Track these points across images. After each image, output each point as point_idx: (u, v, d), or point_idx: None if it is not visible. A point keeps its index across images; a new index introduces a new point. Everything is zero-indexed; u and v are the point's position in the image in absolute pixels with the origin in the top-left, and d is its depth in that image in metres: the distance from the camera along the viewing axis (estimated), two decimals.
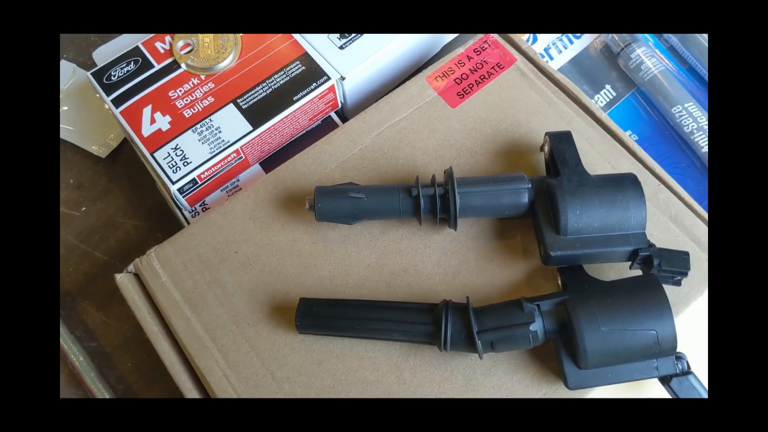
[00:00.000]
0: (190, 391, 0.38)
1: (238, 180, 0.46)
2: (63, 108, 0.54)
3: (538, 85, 0.46)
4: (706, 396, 0.34)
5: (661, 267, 0.36)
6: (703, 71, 0.52)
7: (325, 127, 0.48)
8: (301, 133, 0.48)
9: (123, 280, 0.41)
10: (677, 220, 0.41)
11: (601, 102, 0.53)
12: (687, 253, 0.36)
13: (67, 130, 0.53)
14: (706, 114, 0.50)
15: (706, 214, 0.41)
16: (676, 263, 0.36)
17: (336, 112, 0.49)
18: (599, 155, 0.43)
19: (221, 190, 0.46)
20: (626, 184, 0.37)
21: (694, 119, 0.49)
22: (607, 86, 0.53)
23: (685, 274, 0.36)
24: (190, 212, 0.46)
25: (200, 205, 0.46)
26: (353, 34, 0.46)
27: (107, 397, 0.44)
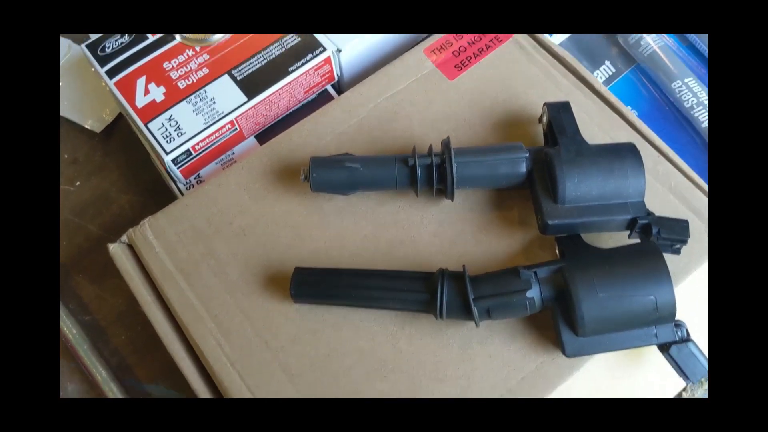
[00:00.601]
0: (184, 360, 0.38)
1: (233, 153, 0.46)
2: None
3: (537, 57, 0.45)
4: (706, 364, 0.34)
5: (660, 235, 0.35)
6: (703, 47, 0.52)
7: (322, 100, 0.48)
8: (297, 106, 0.47)
9: (116, 250, 0.40)
10: (677, 192, 0.40)
11: (601, 78, 0.52)
12: (686, 221, 0.36)
13: (62, 105, 0.53)
14: (706, 89, 0.49)
15: (706, 186, 0.40)
16: (676, 231, 0.35)
17: (332, 86, 0.48)
18: (598, 128, 0.42)
19: (216, 163, 0.46)
20: (625, 153, 0.37)
21: (693, 94, 0.49)
22: (607, 62, 0.53)
23: (685, 242, 0.35)
24: (184, 185, 0.45)
25: (195, 178, 0.45)
26: None
27: (100, 369, 0.44)
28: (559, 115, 0.39)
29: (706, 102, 0.49)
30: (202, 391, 0.37)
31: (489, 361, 0.36)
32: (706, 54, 0.52)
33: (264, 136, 0.46)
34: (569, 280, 0.33)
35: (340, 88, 0.49)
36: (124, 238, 0.41)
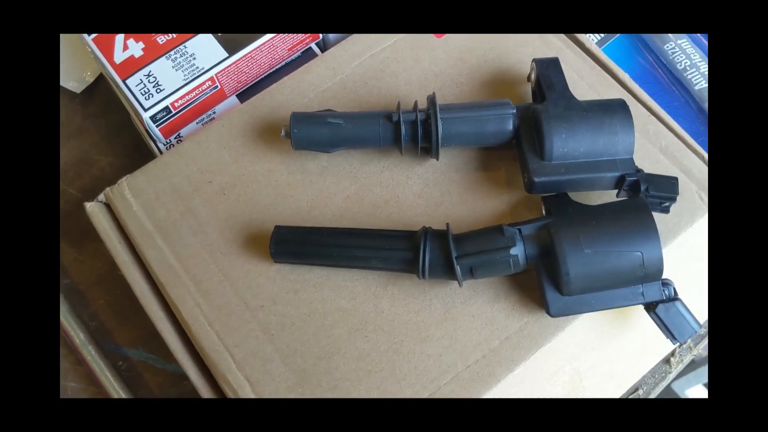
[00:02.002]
0: (162, 320, 0.37)
1: (214, 112, 0.45)
2: None
3: None
4: (695, 324, 0.33)
5: (648, 192, 0.34)
6: None
7: (306, 59, 0.46)
8: (280, 65, 0.46)
9: (93, 209, 0.39)
10: (667, 152, 0.39)
11: (593, 40, 0.51)
12: (675, 178, 0.35)
13: None
14: (699, 51, 0.48)
15: (696, 145, 0.40)
16: (665, 188, 0.34)
17: (317, 45, 0.47)
18: (588, 86, 0.41)
19: (197, 122, 0.44)
20: (615, 109, 0.36)
21: (687, 56, 0.48)
22: None
23: (674, 200, 0.35)
24: (165, 144, 0.44)
25: (175, 137, 0.44)
26: None
27: (79, 333, 0.43)
28: (548, 71, 0.38)
29: (699, 63, 0.47)
30: (180, 352, 0.36)
31: (472, 321, 0.36)
32: None
33: (246, 95, 0.45)
34: (554, 236, 0.33)
35: (326, 46, 0.48)
36: (101, 197, 0.40)
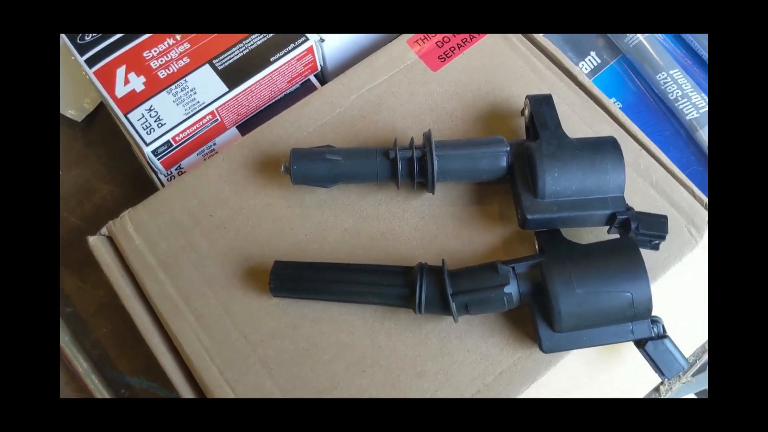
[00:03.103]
0: (164, 354, 0.38)
1: (214, 143, 0.45)
2: None
3: (521, 49, 0.45)
4: (682, 361, 0.34)
5: (638, 230, 0.35)
6: (690, 38, 0.52)
7: (305, 90, 0.47)
8: (279, 96, 0.47)
9: (96, 242, 0.40)
10: (658, 186, 0.40)
11: (586, 69, 0.52)
12: (665, 217, 0.36)
13: None
14: (691, 81, 0.49)
15: (687, 180, 0.40)
16: (654, 227, 0.35)
17: (316, 76, 0.48)
18: (581, 120, 0.42)
19: (197, 154, 0.45)
20: (606, 147, 0.37)
21: (678, 86, 0.49)
22: (592, 53, 0.52)
23: (663, 238, 0.35)
24: (165, 176, 0.45)
25: (176, 169, 0.45)
26: None
27: (81, 361, 0.44)
28: (541, 108, 0.39)
29: (691, 94, 0.48)
30: (182, 385, 0.37)
31: (467, 356, 0.36)
32: (692, 45, 0.52)
33: (246, 126, 0.46)
34: (547, 275, 0.34)
35: (324, 77, 0.49)
36: (104, 230, 0.41)
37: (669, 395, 0.44)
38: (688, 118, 0.48)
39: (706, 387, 0.64)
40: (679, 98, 0.49)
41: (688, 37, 0.52)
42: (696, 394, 0.70)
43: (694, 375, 0.45)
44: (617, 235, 0.37)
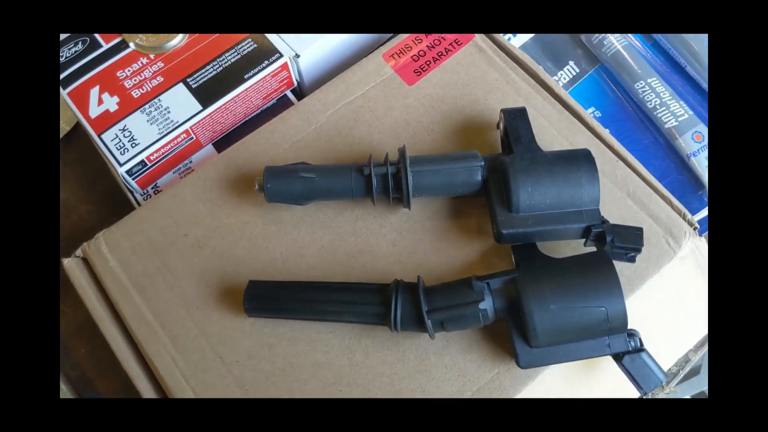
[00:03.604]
0: (139, 377, 0.37)
1: (191, 161, 0.45)
2: None
3: (497, 61, 0.45)
4: (660, 374, 0.34)
5: (614, 243, 0.35)
6: (668, 46, 0.52)
7: (281, 106, 0.47)
8: (256, 113, 0.47)
9: (71, 264, 0.40)
10: (635, 197, 0.40)
11: (565, 79, 0.52)
12: (641, 229, 0.36)
13: None
14: (670, 89, 0.49)
15: (664, 190, 0.40)
16: (629, 239, 0.35)
17: (293, 91, 0.48)
18: (557, 132, 0.42)
19: (173, 172, 0.45)
20: (580, 161, 0.37)
21: (657, 95, 0.49)
22: (571, 62, 0.52)
23: (639, 251, 0.35)
24: (141, 195, 0.44)
25: (152, 188, 0.45)
26: None
27: (61, 384, 0.43)
28: (515, 122, 0.39)
29: (669, 102, 0.48)
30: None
31: (445, 372, 0.36)
32: (671, 53, 0.52)
33: (223, 143, 0.46)
34: (521, 291, 0.33)
35: (302, 92, 0.49)
36: (78, 252, 0.40)
37: None
38: (667, 126, 0.48)
39: (689, 396, 0.64)
40: (658, 107, 0.49)
41: (666, 45, 0.52)
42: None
43: (678, 385, 0.45)
44: (594, 248, 0.36)
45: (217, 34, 0.45)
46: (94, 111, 0.43)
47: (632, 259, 0.36)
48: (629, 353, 0.34)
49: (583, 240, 0.37)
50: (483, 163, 0.38)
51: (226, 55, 0.44)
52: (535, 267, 0.35)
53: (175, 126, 0.42)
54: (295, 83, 0.47)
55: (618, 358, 0.34)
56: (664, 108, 0.48)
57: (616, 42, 0.51)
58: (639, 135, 0.49)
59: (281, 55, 0.44)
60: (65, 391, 0.43)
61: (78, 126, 0.52)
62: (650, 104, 0.49)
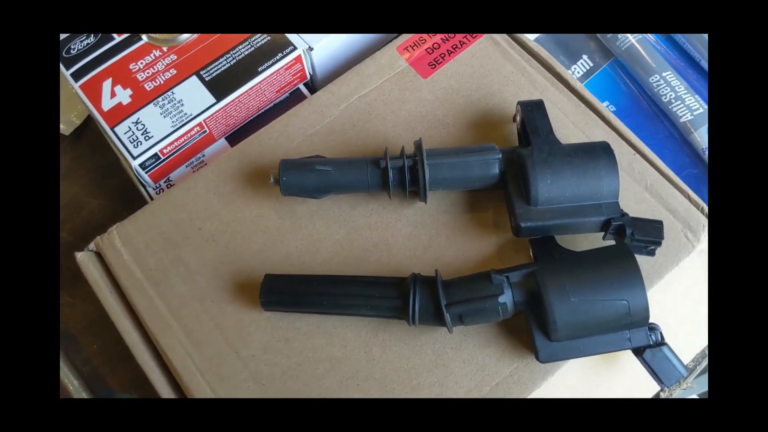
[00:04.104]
0: (153, 371, 0.37)
1: (203, 155, 0.45)
2: None
3: (512, 54, 0.44)
4: (681, 368, 0.34)
5: (634, 237, 0.35)
6: (682, 40, 0.51)
7: (294, 99, 0.47)
8: (268, 106, 0.46)
9: (84, 258, 0.40)
10: (652, 190, 0.40)
11: (578, 72, 0.51)
12: (661, 222, 0.35)
13: None
14: (685, 83, 0.49)
15: (682, 183, 0.40)
16: (650, 233, 0.35)
17: (305, 85, 0.47)
18: (573, 125, 0.42)
19: (186, 166, 0.45)
20: (599, 153, 0.36)
21: (672, 88, 0.48)
22: (584, 56, 0.52)
23: (659, 244, 0.35)
24: (154, 189, 0.44)
25: (165, 182, 0.44)
26: None
27: (72, 379, 0.43)
28: (533, 114, 0.39)
29: (684, 96, 0.48)
30: None
31: (463, 367, 0.36)
32: (685, 47, 0.51)
33: (235, 137, 0.46)
34: (541, 284, 0.33)
35: (314, 86, 0.48)
36: (91, 246, 0.40)
37: None
38: (682, 120, 0.48)
39: (704, 391, 0.64)
40: (673, 101, 0.48)
41: (681, 39, 0.51)
42: (698, 395, 0.69)
43: (695, 379, 0.45)
44: (612, 242, 0.36)
45: None
46: (107, 104, 0.42)
47: (652, 253, 0.36)
48: (650, 347, 0.33)
49: (602, 233, 0.36)
50: (500, 156, 0.37)
51: (240, 47, 0.44)
52: (555, 260, 0.34)
53: (188, 119, 0.42)
54: (308, 76, 0.46)
55: (638, 352, 0.34)
56: (679, 102, 0.48)
57: (630, 36, 0.50)
58: (653, 129, 0.49)
59: (295, 48, 0.44)
60: (77, 387, 0.43)
61: (88, 120, 0.52)
62: (665, 98, 0.48)
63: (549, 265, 0.34)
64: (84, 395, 0.43)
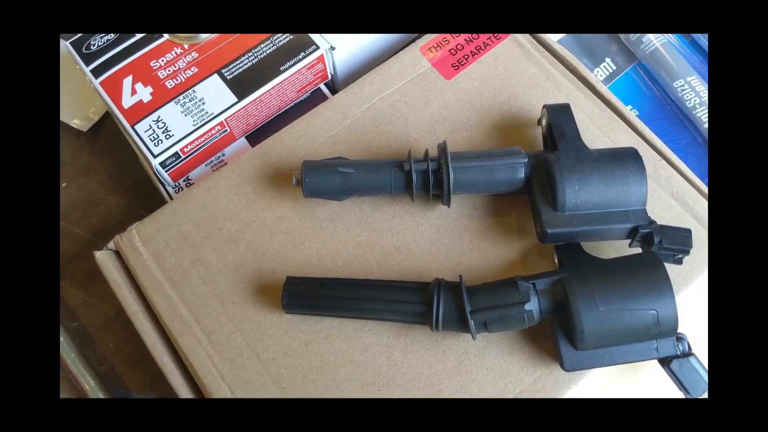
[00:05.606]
0: (173, 373, 0.37)
1: (223, 154, 0.45)
2: None
3: (536, 56, 0.44)
4: (706, 379, 0.33)
5: (662, 245, 0.34)
6: (706, 44, 0.51)
7: (315, 99, 0.46)
8: (289, 106, 0.46)
9: (103, 257, 0.39)
10: (679, 197, 0.39)
11: (601, 76, 0.51)
12: (689, 231, 0.35)
13: None
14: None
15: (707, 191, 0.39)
16: (678, 241, 0.34)
17: (326, 84, 0.47)
18: (599, 129, 0.41)
19: (206, 165, 0.44)
20: (627, 159, 0.36)
21: (696, 93, 0.48)
22: (607, 59, 0.51)
23: (687, 252, 0.34)
24: (173, 188, 0.44)
25: (184, 181, 0.44)
26: None
27: (88, 378, 0.43)
28: (559, 118, 0.38)
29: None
30: None
31: (486, 374, 0.35)
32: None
33: (256, 136, 0.45)
34: (568, 292, 0.32)
35: (335, 86, 0.48)
36: (110, 244, 0.40)
37: None
38: (705, 126, 0.47)
39: None
40: (697, 106, 0.48)
41: (704, 43, 0.51)
42: None
43: None
44: (639, 249, 0.36)
45: None
46: (128, 101, 0.42)
47: (680, 261, 0.35)
48: (677, 357, 0.33)
49: (628, 241, 0.36)
50: (526, 160, 0.37)
51: (262, 46, 0.43)
52: (582, 267, 0.34)
53: (210, 118, 0.41)
54: (330, 76, 0.46)
55: (665, 362, 0.33)
56: (703, 107, 0.48)
57: (654, 40, 0.50)
58: (677, 134, 0.48)
59: (317, 47, 0.43)
60: (93, 386, 0.43)
61: (106, 116, 0.51)
62: (689, 103, 0.48)
63: (576, 272, 0.33)
64: (100, 395, 0.43)
